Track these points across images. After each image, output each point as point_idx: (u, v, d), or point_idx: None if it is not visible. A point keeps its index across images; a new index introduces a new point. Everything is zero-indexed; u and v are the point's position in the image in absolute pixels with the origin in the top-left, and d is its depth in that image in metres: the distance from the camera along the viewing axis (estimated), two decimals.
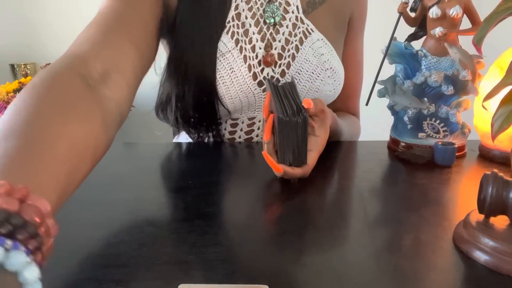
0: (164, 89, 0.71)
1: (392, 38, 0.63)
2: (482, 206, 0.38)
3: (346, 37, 0.81)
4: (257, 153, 0.70)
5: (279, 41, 0.72)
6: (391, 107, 0.67)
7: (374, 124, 1.30)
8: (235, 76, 0.68)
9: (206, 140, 0.75)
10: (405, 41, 0.65)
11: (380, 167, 0.63)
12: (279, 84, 0.60)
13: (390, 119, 0.69)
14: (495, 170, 0.39)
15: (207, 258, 0.36)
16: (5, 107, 1.71)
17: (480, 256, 0.36)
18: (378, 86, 0.66)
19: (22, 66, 2.18)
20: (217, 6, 0.67)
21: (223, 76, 0.68)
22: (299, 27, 0.72)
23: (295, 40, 0.72)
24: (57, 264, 0.36)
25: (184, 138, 0.86)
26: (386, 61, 0.63)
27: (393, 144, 0.68)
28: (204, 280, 0.33)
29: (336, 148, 0.73)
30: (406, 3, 0.62)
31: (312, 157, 0.55)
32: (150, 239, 0.40)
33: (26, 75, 2.10)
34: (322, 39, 0.73)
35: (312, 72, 0.72)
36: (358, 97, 0.89)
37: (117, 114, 0.49)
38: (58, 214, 0.46)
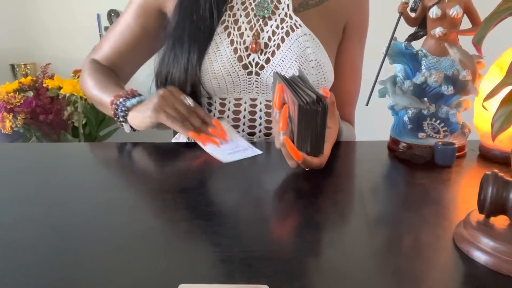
0: (160, 67, 0.78)
1: (392, 38, 0.63)
2: (482, 206, 0.38)
3: (342, 44, 0.83)
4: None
5: (267, 32, 0.77)
6: (391, 107, 0.67)
7: (374, 124, 1.30)
8: (220, 54, 0.75)
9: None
10: (405, 41, 0.65)
11: (380, 167, 0.63)
12: (289, 77, 0.61)
13: (390, 119, 0.69)
14: (495, 170, 0.39)
15: (207, 258, 0.36)
16: (5, 107, 1.71)
17: (480, 256, 0.36)
18: (378, 86, 0.66)
19: (22, 66, 2.18)
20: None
21: (208, 53, 0.74)
22: (287, 22, 0.76)
23: (282, 32, 0.76)
24: (57, 263, 0.36)
25: (183, 138, 0.86)
26: (386, 61, 0.63)
27: (393, 144, 0.68)
28: (204, 280, 0.33)
29: (336, 148, 0.73)
30: (406, 3, 0.62)
31: (327, 148, 0.57)
32: (150, 238, 0.40)
33: (26, 75, 2.10)
34: (309, 34, 0.76)
35: (295, 61, 0.75)
36: (353, 105, 0.90)
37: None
38: (58, 215, 0.46)
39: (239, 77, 0.77)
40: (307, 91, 0.54)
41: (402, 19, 0.63)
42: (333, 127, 0.60)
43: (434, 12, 0.59)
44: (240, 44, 0.76)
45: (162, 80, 0.77)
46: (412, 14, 0.64)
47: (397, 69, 0.66)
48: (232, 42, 0.75)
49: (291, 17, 0.76)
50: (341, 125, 0.74)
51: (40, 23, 2.23)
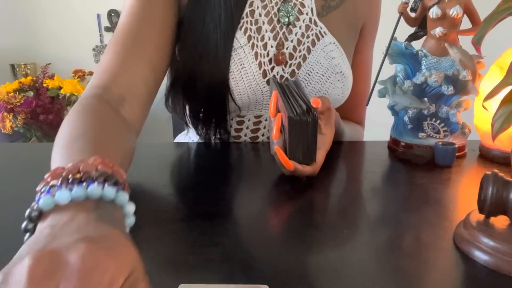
0: (174, 78, 0.70)
1: (392, 38, 0.63)
2: (482, 206, 0.38)
3: (357, 45, 0.81)
4: (257, 154, 0.70)
5: (291, 41, 0.71)
6: (391, 107, 0.67)
7: (374, 124, 1.30)
8: (245, 72, 0.68)
9: (212, 137, 0.74)
10: (405, 41, 0.65)
11: (381, 167, 0.63)
12: (284, 83, 0.60)
13: (390, 119, 0.69)
14: (496, 170, 0.39)
15: (207, 258, 0.36)
16: (5, 107, 1.71)
17: (480, 256, 0.36)
18: (378, 86, 0.66)
19: (22, 66, 2.18)
20: (234, 1, 0.67)
21: (233, 71, 0.68)
22: (312, 29, 0.72)
23: (307, 42, 0.72)
24: None
25: (183, 138, 0.86)
26: (386, 61, 0.63)
27: (393, 144, 0.68)
28: (204, 280, 0.33)
29: (337, 148, 0.73)
30: (407, 3, 0.62)
31: (320, 155, 0.55)
32: (150, 239, 0.40)
33: (26, 75, 2.10)
34: (334, 43, 0.73)
35: (322, 75, 0.72)
36: (364, 107, 0.87)
37: (133, 130, 0.58)
38: None
39: (262, 94, 0.71)
40: (299, 100, 0.54)
41: (402, 19, 0.63)
42: (328, 134, 0.58)
43: (434, 12, 0.59)
44: (263, 57, 0.70)
45: (186, 92, 0.68)
46: (412, 14, 0.64)
47: (397, 69, 0.66)
48: (256, 55, 0.69)
49: (315, 23, 0.72)
50: (343, 127, 0.73)
51: (40, 23, 2.23)
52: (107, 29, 2.22)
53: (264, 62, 0.70)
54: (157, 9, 0.64)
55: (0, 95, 1.73)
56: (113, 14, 2.19)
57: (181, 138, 0.88)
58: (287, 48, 0.71)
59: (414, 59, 0.63)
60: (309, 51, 0.72)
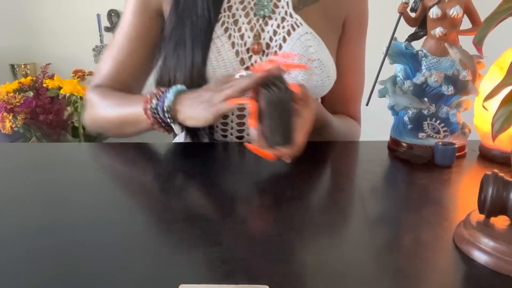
0: (161, 72, 0.75)
1: (393, 38, 0.63)
2: (482, 206, 0.38)
3: (342, 40, 0.82)
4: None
5: (268, 32, 0.75)
6: (391, 107, 0.67)
7: (374, 124, 1.30)
8: (222, 59, 0.72)
9: (200, 133, 0.77)
10: (405, 41, 0.65)
11: (381, 167, 0.62)
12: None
13: (390, 119, 0.69)
14: (496, 170, 0.38)
15: (207, 258, 0.36)
16: (5, 107, 1.71)
17: (481, 256, 0.36)
18: (378, 86, 0.66)
19: (22, 66, 2.18)
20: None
21: (210, 59, 0.71)
22: (287, 21, 0.75)
23: (283, 32, 0.75)
24: (57, 263, 0.36)
25: (183, 138, 0.86)
26: (386, 61, 0.63)
27: (393, 144, 0.68)
28: (204, 280, 0.33)
29: (337, 148, 0.73)
30: (407, 3, 0.62)
31: (299, 136, 0.57)
32: (150, 239, 0.40)
33: (26, 75, 2.10)
34: (311, 33, 0.75)
35: (298, 61, 0.74)
36: (358, 101, 0.89)
37: None
38: (58, 215, 0.46)
39: None
40: (275, 82, 0.55)
41: (402, 19, 0.63)
42: (307, 117, 0.59)
43: (434, 12, 0.59)
44: (241, 46, 0.74)
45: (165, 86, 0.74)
46: (412, 14, 0.64)
47: (397, 69, 0.66)
48: (233, 44, 0.73)
49: (291, 16, 0.75)
50: (330, 120, 0.74)
51: (40, 23, 2.23)
52: (107, 29, 2.22)
53: (241, 51, 0.74)
54: (148, 18, 0.77)
55: (0, 95, 1.73)
56: (113, 14, 2.19)
57: (181, 138, 0.88)
58: (263, 39, 0.75)
59: (414, 59, 0.63)
60: (284, 40, 0.75)
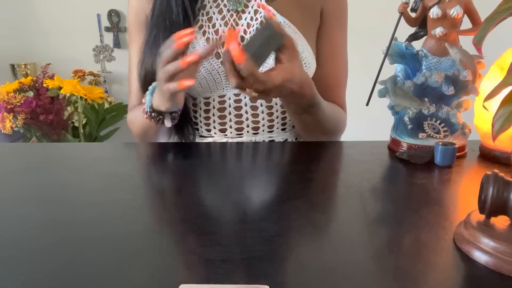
0: (142, 71, 0.77)
1: (393, 38, 0.63)
2: (482, 206, 0.38)
3: (322, 29, 0.83)
4: (257, 154, 0.70)
5: (242, 25, 0.77)
6: (391, 107, 0.67)
7: (374, 124, 1.30)
8: None
9: (184, 128, 0.80)
10: (405, 41, 0.65)
11: (381, 167, 0.62)
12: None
13: (391, 119, 0.69)
14: (496, 171, 0.38)
15: (207, 258, 0.36)
16: (5, 107, 1.71)
17: (481, 256, 0.36)
18: (378, 86, 0.66)
19: (22, 66, 2.18)
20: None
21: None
22: (260, 12, 0.77)
23: (256, 23, 0.76)
24: (57, 263, 0.36)
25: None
26: (386, 61, 0.63)
27: (393, 144, 0.68)
28: (204, 280, 0.33)
29: (337, 148, 0.73)
30: (407, 3, 0.62)
31: (272, 75, 0.59)
32: (150, 239, 0.40)
33: (26, 75, 2.10)
34: (284, 22, 0.76)
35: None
36: (342, 88, 0.89)
37: None
38: (58, 215, 0.46)
39: (219, 74, 0.76)
40: (271, 22, 0.59)
41: (402, 19, 0.63)
42: (289, 66, 0.61)
43: (434, 12, 0.59)
44: (216, 41, 0.75)
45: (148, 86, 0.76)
46: (413, 14, 0.64)
47: (398, 69, 0.66)
48: (208, 40, 0.75)
49: (264, 7, 0.76)
50: (319, 100, 0.74)
51: (40, 23, 2.23)
52: (107, 29, 2.22)
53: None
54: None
55: (0, 95, 1.73)
56: (113, 14, 2.19)
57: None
58: (238, 32, 0.76)
59: (415, 59, 0.63)
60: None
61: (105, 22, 2.22)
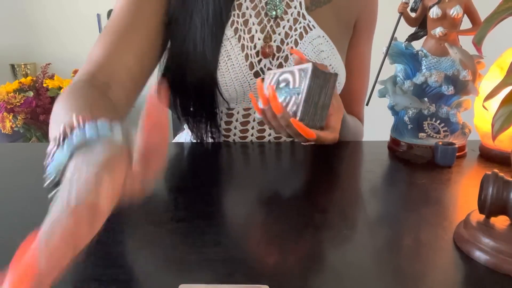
0: (164, 73, 0.72)
1: (393, 38, 0.63)
2: (482, 206, 0.38)
3: (352, 41, 0.80)
4: (257, 154, 0.70)
5: (279, 34, 0.71)
6: (391, 107, 0.67)
7: (374, 124, 1.30)
8: (231, 63, 0.68)
9: (203, 131, 0.74)
10: (405, 41, 0.65)
11: (381, 167, 0.62)
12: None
13: (391, 119, 0.69)
14: (496, 170, 0.38)
15: (207, 258, 0.36)
16: (5, 107, 1.71)
17: (481, 256, 0.36)
18: (378, 86, 0.66)
19: (22, 66, 2.18)
20: None
21: (219, 63, 0.68)
22: (300, 22, 0.72)
23: (295, 35, 0.72)
24: None
25: (183, 138, 0.86)
26: (386, 61, 0.63)
27: (393, 144, 0.68)
28: (204, 280, 0.33)
29: (337, 148, 0.73)
30: (407, 3, 0.62)
31: (336, 120, 0.57)
32: (150, 239, 0.40)
33: (26, 75, 2.10)
34: (323, 36, 0.72)
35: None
36: (362, 102, 0.87)
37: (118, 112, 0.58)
38: None
39: (250, 86, 0.71)
40: (319, 68, 0.55)
41: (402, 19, 0.63)
42: (336, 103, 0.59)
43: (434, 12, 0.59)
44: (250, 49, 0.70)
45: (176, 86, 0.69)
46: (412, 14, 0.64)
47: (397, 69, 0.66)
48: (243, 47, 0.69)
49: (304, 17, 0.72)
50: (345, 115, 0.72)
51: (40, 23, 2.23)
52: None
53: (251, 55, 0.70)
54: (148, 4, 0.66)
55: (0, 95, 1.73)
56: None
57: (181, 137, 0.88)
58: (274, 41, 0.71)
59: (414, 59, 0.63)
60: (296, 43, 0.72)
61: (105, 22, 2.22)
